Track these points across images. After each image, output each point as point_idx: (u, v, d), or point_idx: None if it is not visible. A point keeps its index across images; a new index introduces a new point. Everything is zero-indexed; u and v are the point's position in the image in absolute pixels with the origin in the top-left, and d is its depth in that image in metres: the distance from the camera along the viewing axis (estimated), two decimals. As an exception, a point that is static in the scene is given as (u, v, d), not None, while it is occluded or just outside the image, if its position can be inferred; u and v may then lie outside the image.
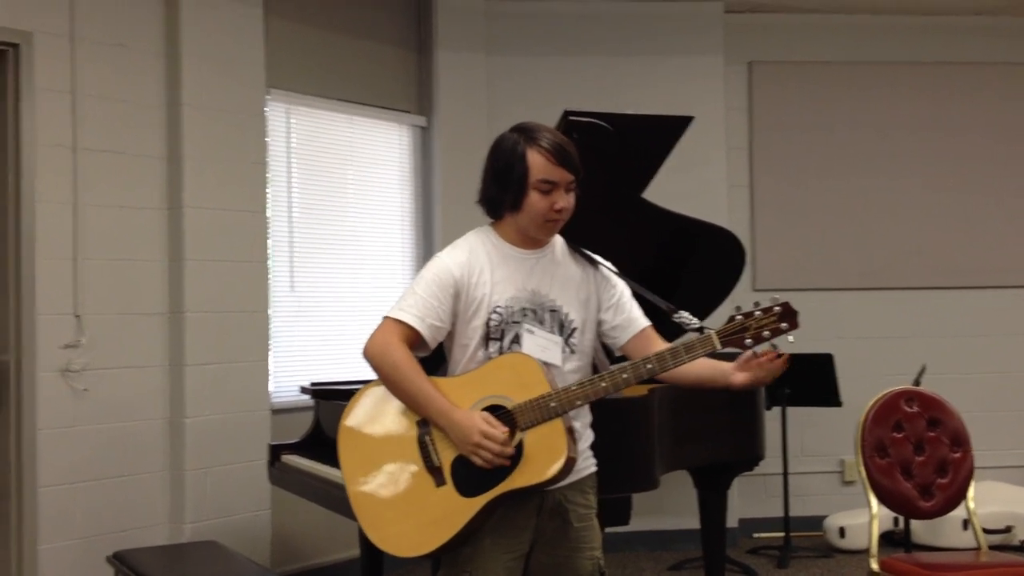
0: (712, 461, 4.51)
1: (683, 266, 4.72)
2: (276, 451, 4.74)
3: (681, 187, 5.48)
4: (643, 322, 3.00)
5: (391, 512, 2.81)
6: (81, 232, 4.78)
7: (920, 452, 4.37)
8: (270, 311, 5.51)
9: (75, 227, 4.77)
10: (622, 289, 3.02)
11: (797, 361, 6.22)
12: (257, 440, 5.21)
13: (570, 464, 2.73)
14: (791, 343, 2.76)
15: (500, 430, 2.70)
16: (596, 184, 4.20)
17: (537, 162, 2.78)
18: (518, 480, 2.71)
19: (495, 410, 2.76)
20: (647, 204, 4.54)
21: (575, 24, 6.77)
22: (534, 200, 2.80)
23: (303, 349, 5.93)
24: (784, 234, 7.05)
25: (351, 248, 6.19)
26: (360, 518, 2.85)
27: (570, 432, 2.74)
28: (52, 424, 4.68)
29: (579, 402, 2.75)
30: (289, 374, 5.73)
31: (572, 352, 2.89)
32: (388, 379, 2.82)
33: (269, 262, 5.51)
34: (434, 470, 2.77)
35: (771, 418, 5.16)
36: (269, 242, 5.52)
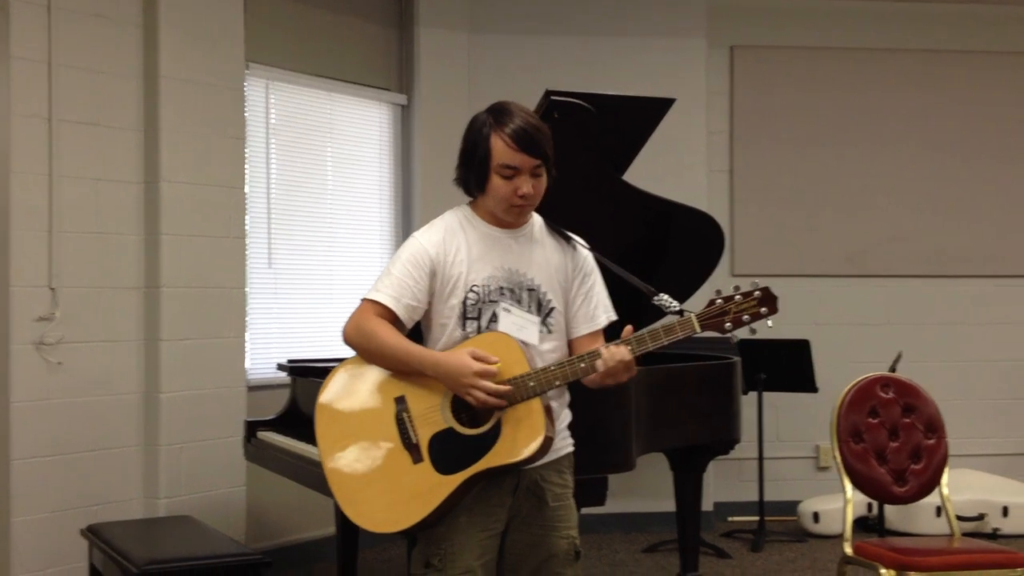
0: (688, 443, 4.52)
1: (662, 249, 4.72)
2: (252, 427, 4.73)
3: (661, 170, 5.48)
4: (602, 322, 2.99)
5: (368, 488, 2.80)
6: (56, 204, 4.73)
7: (895, 438, 4.38)
8: (247, 287, 5.48)
9: (50, 199, 4.72)
10: (595, 280, 3.02)
11: (774, 346, 6.33)
12: (233, 416, 5.19)
13: (547, 444, 2.74)
14: (770, 327, 2.78)
15: (492, 360, 2.71)
16: (577, 164, 4.20)
17: (498, 147, 2.78)
18: (495, 458, 2.71)
19: None
20: (627, 186, 4.53)
21: (558, 3, 6.75)
22: (496, 184, 2.80)
23: (280, 326, 5.91)
24: (763, 219, 7.06)
25: (329, 225, 6.17)
26: (336, 494, 2.84)
27: (548, 412, 2.75)
28: (26, 397, 4.64)
29: (558, 382, 2.75)
30: (265, 351, 5.71)
31: (549, 332, 2.89)
32: (369, 350, 2.82)
33: (247, 238, 5.48)
34: (411, 447, 2.77)
35: (747, 403, 5.18)
36: (247, 218, 5.48)
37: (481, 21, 6.67)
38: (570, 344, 2.97)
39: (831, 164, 7.08)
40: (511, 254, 2.88)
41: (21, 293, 4.63)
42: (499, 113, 2.82)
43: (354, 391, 2.88)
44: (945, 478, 4.37)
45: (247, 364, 5.48)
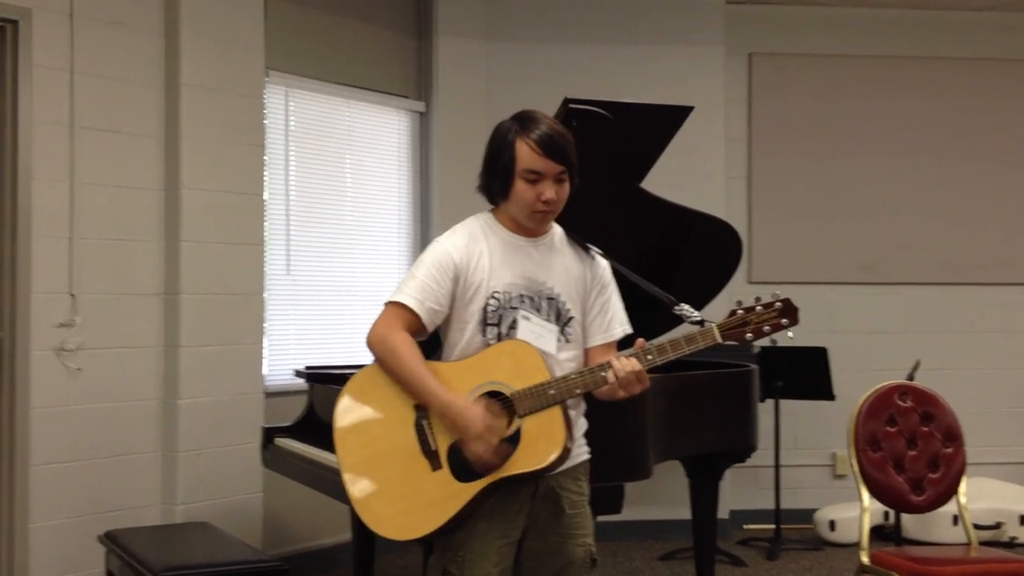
0: (705, 451, 4.52)
1: (680, 256, 4.72)
2: (269, 434, 4.74)
3: (679, 177, 5.48)
4: (617, 333, 3.00)
5: (386, 495, 2.81)
6: (77, 211, 4.76)
7: (912, 447, 4.37)
8: (265, 294, 5.50)
9: (71, 206, 4.75)
10: (611, 292, 3.02)
11: (791, 354, 6.32)
12: (250, 423, 5.21)
13: (567, 452, 2.75)
14: (790, 338, 2.81)
15: (501, 420, 2.72)
16: (595, 172, 4.21)
17: (523, 152, 2.80)
18: (516, 466, 2.72)
19: (494, 396, 2.77)
20: (645, 193, 4.54)
21: (576, 11, 6.76)
22: (520, 189, 2.81)
23: (298, 332, 5.92)
24: (781, 227, 7.05)
25: (347, 233, 6.18)
26: (354, 501, 2.85)
27: (567, 419, 2.76)
28: (45, 403, 4.67)
29: (578, 391, 2.76)
30: (283, 357, 5.72)
31: (567, 341, 2.90)
32: (387, 365, 2.83)
33: (265, 245, 5.50)
34: (431, 454, 2.78)
35: (764, 410, 5.17)
36: (266, 225, 5.50)
37: (499, 29, 6.69)
38: (584, 354, 2.97)
39: (849, 171, 7.07)
40: (532, 262, 2.90)
41: (42, 299, 4.66)
42: (525, 120, 2.85)
43: (374, 398, 2.88)
44: (963, 487, 4.35)
45: (265, 370, 5.49)
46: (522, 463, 2.72)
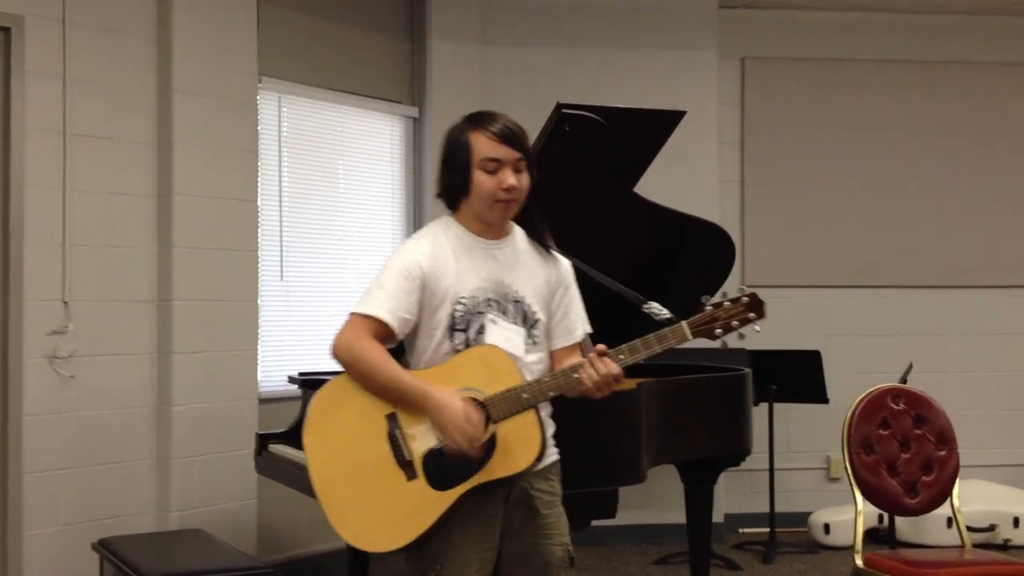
0: (699, 455, 4.52)
1: (673, 261, 4.72)
2: (263, 440, 4.73)
3: (672, 181, 5.48)
4: (579, 334, 2.99)
5: (361, 508, 2.78)
6: (70, 218, 4.76)
7: (906, 449, 4.38)
8: (259, 300, 5.49)
9: (64, 212, 4.75)
10: (574, 292, 3.02)
11: (785, 357, 6.32)
12: (244, 429, 5.20)
13: (543, 455, 2.76)
14: (757, 332, 2.81)
15: (480, 415, 2.70)
16: (588, 176, 4.22)
17: (480, 142, 2.81)
18: (493, 472, 2.72)
19: None
20: (638, 198, 4.54)
21: (570, 16, 6.77)
22: (480, 180, 2.81)
23: (292, 338, 5.92)
24: (774, 231, 7.06)
25: (341, 238, 6.18)
26: (330, 516, 2.80)
27: (541, 423, 2.76)
28: (38, 411, 4.66)
29: (552, 393, 2.76)
30: (277, 363, 5.72)
31: (534, 343, 2.89)
32: (358, 372, 2.80)
33: (259, 251, 5.50)
34: (405, 464, 2.75)
35: (758, 414, 5.16)
36: (259, 231, 5.50)
37: (493, 34, 6.69)
38: (550, 356, 2.96)
39: (842, 175, 7.07)
40: (497, 265, 2.89)
41: (34, 306, 4.65)
42: (475, 116, 2.88)
43: (344, 410, 2.83)
44: (956, 490, 4.36)
45: (259, 377, 5.49)
46: (499, 468, 2.72)
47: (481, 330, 2.82)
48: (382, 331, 2.80)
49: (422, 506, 2.73)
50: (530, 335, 2.88)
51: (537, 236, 3.00)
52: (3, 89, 4.60)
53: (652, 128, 4.45)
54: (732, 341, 2.83)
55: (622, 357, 2.74)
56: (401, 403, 2.77)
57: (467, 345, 2.82)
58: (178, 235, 5.04)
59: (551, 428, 2.96)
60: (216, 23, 5.23)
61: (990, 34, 7.18)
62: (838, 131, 7.09)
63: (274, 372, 5.66)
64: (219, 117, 5.22)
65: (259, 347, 5.47)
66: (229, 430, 5.22)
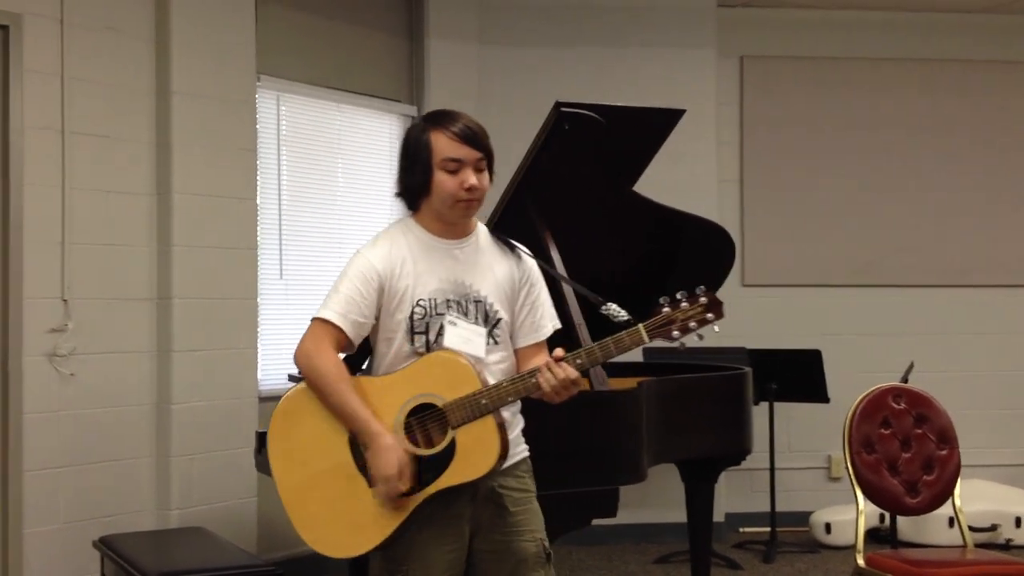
0: (700, 454, 4.52)
1: (672, 259, 4.72)
2: (263, 438, 4.71)
3: (671, 180, 5.47)
4: (547, 331, 2.97)
5: (323, 513, 2.79)
6: (69, 216, 4.76)
7: (907, 449, 4.37)
8: (259, 298, 5.49)
9: (63, 211, 4.75)
10: (540, 289, 3.00)
11: (785, 356, 6.32)
12: (244, 427, 5.20)
13: (502, 461, 2.75)
14: (716, 332, 2.73)
15: (411, 469, 2.70)
16: (586, 175, 4.22)
17: (440, 142, 2.79)
18: (452, 478, 2.72)
19: (425, 408, 2.75)
20: (637, 197, 4.54)
21: (568, 15, 6.76)
22: (441, 180, 2.80)
23: (291, 337, 5.85)
24: (773, 230, 7.05)
25: (340, 236, 6.17)
26: (294, 521, 2.82)
27: (501, 427, 2.74)
28: (38, 409, 4.65)
29: (510, 398, 2.74)
30: (277, 362, 5.70)
31: (496, 343, 2.87)
32: (314, 387, 2.80)
33: (258, 249, 5.49)
34: (366, 471, 2.75)
35: (758, 413, 5.17)
36: (258, 229, 5.49)
37: (491, 33, 6.69)
38: (515, 354, 2.95)
39: (841, 174, 7.07)
40: (457, 264, 2.87)
41: (34, 305, 4.65)
42: (436, 115, 2.87)
43: (308, 416, 2.83)
44: (958, 489, 4.35)
45: (258, 375, 5.49)
46: (458, 475, 2.71)
47: (441, 331, 2.80)
48: (340, 336, 2.80)
49: (383, 512, 2.73)
50: (492, 335, 2.86)
51: (501, 234, 2.98)
52: (2, 87, 4.60)
53: (651, 126, 4.44)
54: (691, 342, 2.72)
55: (579, 361, 2.71)
56: (364, 398, 2.77)
57: (428, 347, 2.80)
58: (177, 233, 5.04)
59: (519, 425, 2.94)
60: (215, 22, 5.22)
61: (988, 32, 7.17)
62: (837, 130, 7.09)
63: (273, 370, 5.65)
64: (218, 116, 5.22)
65: (259, 345, 5.47)
66: (229, 428, 5.21)
